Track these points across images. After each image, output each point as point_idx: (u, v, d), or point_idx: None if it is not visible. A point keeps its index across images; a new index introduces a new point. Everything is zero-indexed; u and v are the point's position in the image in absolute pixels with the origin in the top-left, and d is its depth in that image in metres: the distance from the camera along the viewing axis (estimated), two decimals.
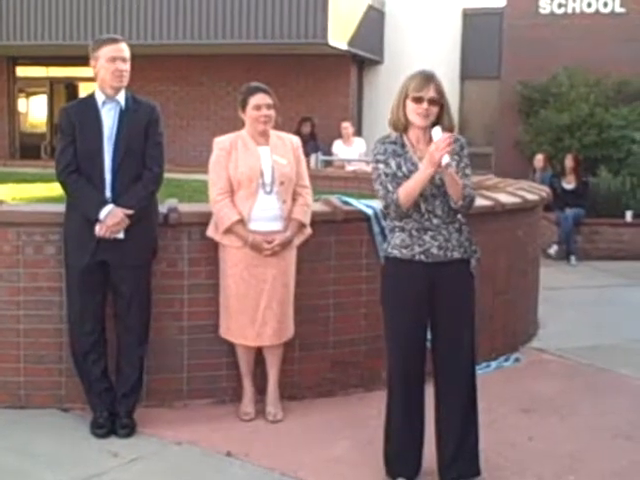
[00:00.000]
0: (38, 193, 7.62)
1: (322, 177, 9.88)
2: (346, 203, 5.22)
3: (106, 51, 4.34)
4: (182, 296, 4.82)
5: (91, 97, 4.45)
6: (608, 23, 13.69)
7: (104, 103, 4.39)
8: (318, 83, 14.85)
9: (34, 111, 17.35)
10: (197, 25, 13.58)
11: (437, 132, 3.61)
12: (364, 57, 15.04)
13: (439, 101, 3.70)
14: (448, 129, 3.71)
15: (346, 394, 5.14)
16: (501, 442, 4.40)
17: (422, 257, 3.73)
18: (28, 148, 16.51)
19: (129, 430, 4.42)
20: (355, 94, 15.30)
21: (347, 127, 13.15)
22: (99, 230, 4.29)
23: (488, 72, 15.10)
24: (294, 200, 4.64)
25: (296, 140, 4.82)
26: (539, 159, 12.43)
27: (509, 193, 6.61)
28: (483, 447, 3.91)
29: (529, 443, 4.47)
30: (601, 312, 7.75)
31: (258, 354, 4.76)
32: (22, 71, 16.86)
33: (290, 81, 14.52)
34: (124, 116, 4.38)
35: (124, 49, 4.39)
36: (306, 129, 13.42)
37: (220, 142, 4.66)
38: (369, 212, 5.10)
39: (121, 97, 4.41)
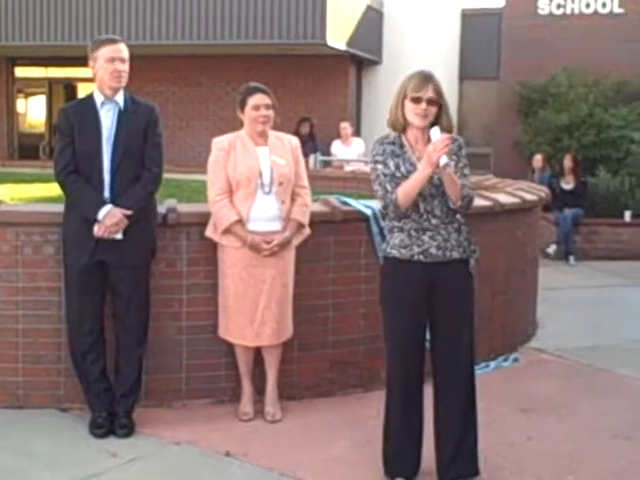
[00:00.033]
0: (37, 193, 7.63)
1: (321, 177, 9.89)
2: (345, 203, 5.22)
3: (105, 51, 4.34)
4: (181, 296, 4.82)
5: (90, 98, 4.45)
6: (607, 24, 13.69)
7: (103, 104, 4.39)
8: (317, 83, 14.86)
9: (33, 111, 17.35)
10: (196, 26, 13.58)
11: (435, 132, 3.61)
12: (363, 57, 15.05)
13: (437, 101, 3.70)
14: (447, 129, 3.71)
15: (345, 394, 5.14)
16: (500, 442, 4.40)
17: (421, 257, 3.73)
18: (27, 148, 16.51)
19: (128, 430, 4.41)
20: (354, 94, 15.31)
21: (346, 127, 13.16)
22: (97, 230, 4.29)
23: (487, 72, 15.11)
24: (293, 200, 4.64)
25: (295, 140, 4.82)
26: (538, 159, 12.44)
27: (508, 193, 6.61)
28: (482, 447, 3.92)
29: (528, 443, 4.47)
30: (600, 312, 7.75)
31: (257, 354, 4.76)
32: (21, 72, 16.87)
33: (289, 81, 14.53)
34: (123, 117, 4.38)
35: (123, 49, 4.39)
36: (305, 129, 13.43)
37: (219, 142, 4.66)
38: (368, 212, 5.10)
39: (120, 98, 4.41)
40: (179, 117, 15.19)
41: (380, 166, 3.74)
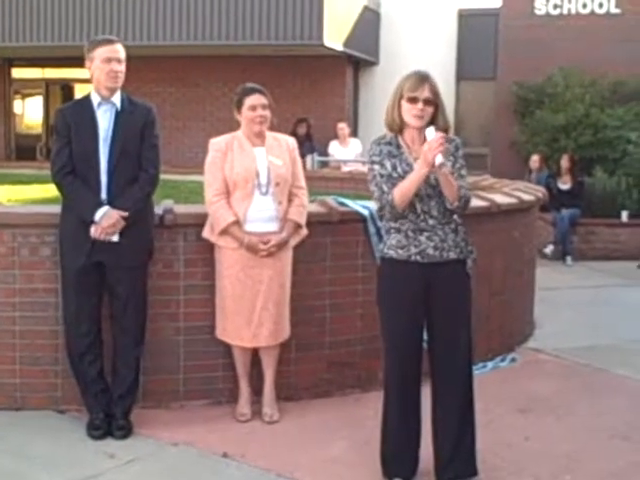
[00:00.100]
0: (34, 194, 7.62)
1: (318, 178, 9.89)
2: (342, 204, 5.22)
3: (101, 52, 4.33)
4: (178, 297, 4.82)
5: (87, 98, 4.44)
6: (603, 24, 13.71)
7: (100, 104, 4.39)
8: (314, 84, 14.87)
9: (30, 112, 17.34)
10: (193, 26, 13.59)
11: (430, 132, 3.61)
12: (360, 58, 15.06)
13: (434, 101, 3.70)
14: (443, 129, 3.71)
15: (342, 395, 5.14)
16: (498, 442, 4.40)
17: (418, 258, 3.73)
18: (24, 149, 16.50)
19: (125, 431, 4.41)
20: (351, 95, 15.31)
21: (343, 128, 13.17)
22: (94, 232, 4.28)
23: (484, 73, 15.12)
24: (290, 201, 4.64)
25: (292, 141, 4.82)
26: (535, 160, 12.44)
27: (505, 194, 6.61)
28: (480, 447, 3.91)
29: (526, 443, 4.47)
30: (597, 312, 7.76)
31: (254, 355, 4.75)
32: (18, 73, 16.86)
33: (286, 82, 14.53)
34: (120, 118, 4.38)
35: (119, 50, 4.38)
36: (302, 130, 13.43)
37: (216, 143, 4.66)
38: (365, 213, 5.10)
39: (117, 98, 4.40)
40: (176, 118, 15.19)
41: (377, 167, 3.74)
